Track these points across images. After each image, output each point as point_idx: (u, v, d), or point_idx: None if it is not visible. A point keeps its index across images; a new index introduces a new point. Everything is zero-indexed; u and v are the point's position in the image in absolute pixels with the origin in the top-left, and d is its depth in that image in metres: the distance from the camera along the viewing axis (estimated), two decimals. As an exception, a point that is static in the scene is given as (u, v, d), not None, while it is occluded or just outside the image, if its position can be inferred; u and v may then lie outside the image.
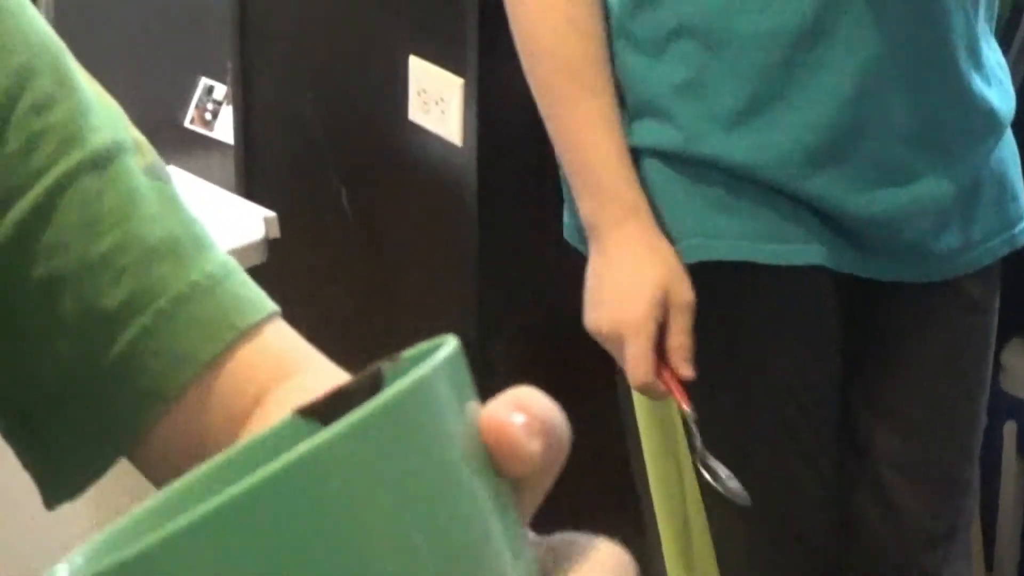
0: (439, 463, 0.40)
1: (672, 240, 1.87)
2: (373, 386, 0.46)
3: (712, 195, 1.87)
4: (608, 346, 1.85)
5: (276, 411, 0.80)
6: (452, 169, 2.46)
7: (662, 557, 2.11)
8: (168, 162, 1.86)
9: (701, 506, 2.01)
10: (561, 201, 1.96)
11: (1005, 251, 1.94)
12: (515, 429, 0.40)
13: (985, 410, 2.06)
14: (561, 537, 0.46)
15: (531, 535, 0.44)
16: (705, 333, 1.86)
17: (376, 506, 0.38)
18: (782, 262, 1.84)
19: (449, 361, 0.40)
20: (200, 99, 3.62)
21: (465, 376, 0.41)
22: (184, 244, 0.81)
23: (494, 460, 0.42)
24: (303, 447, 0.36)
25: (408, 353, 0.45)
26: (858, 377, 2.00)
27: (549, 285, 2.24)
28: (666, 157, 1.86)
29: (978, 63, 1.89)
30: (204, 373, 0.79)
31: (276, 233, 2.54)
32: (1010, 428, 2.77)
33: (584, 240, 1.90)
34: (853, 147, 1.84)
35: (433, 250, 2.61)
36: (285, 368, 0.83)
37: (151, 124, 2.45)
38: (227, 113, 3.40)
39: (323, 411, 0.47)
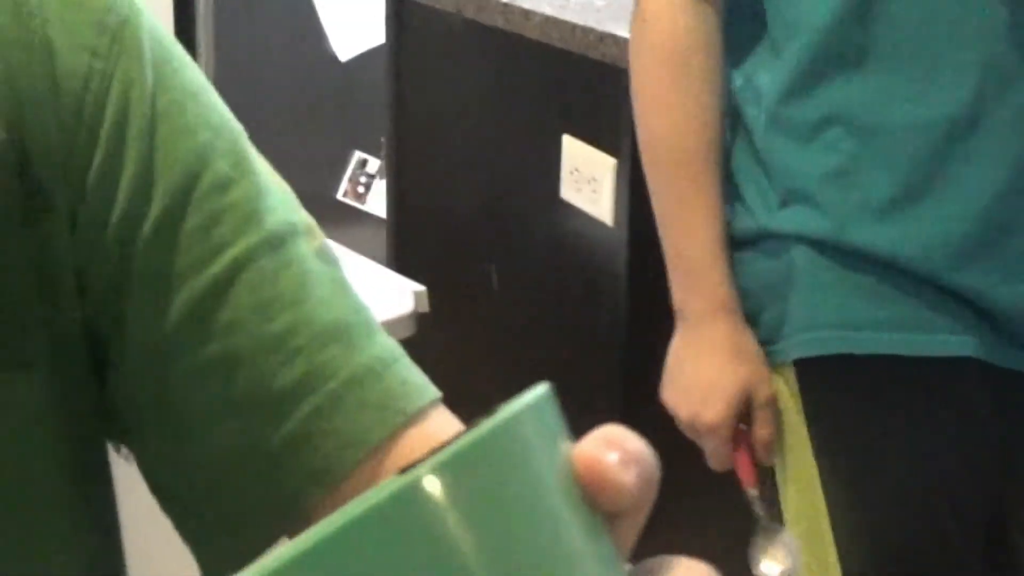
0: (529, 496, 0.41)
1: (808, 327, 1.88)
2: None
3: (860, 284, 1.88)
4: (683, 428, 1.90)
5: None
6: (603, 249, 2.50)
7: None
8: (323, 231, 1.85)
9: None
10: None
11: None
12: (608, 463, 0.41)
13: None
14: (652, 560, 0.47)
15: (627, 566, 0.45)
16: (846, 430, 1.90)
17: (468, 535, 0.39)
18: (931, 353, 1.84)
19: (536, 404, 0.41)
20: (353, 172, 3.83)
21: (556, 418, 0.42)
22: (354, 328, 0.83)
23: (588, 494, 0.43)
24: (396, 481, 0.38)
25: (506, 406, 0.45)
26: (1011, 480, 1.96)
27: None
28: (815, 244, 1.87)
29: None
30: (371, 455, 0.81)
31: (425, 307, 2.47)
32: None
33: None
34: (1006, 239, 1.85)
35: (581, 330, 2.65)
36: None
37: (304, 196, 2.50)
38: (380, 187, 3.64)
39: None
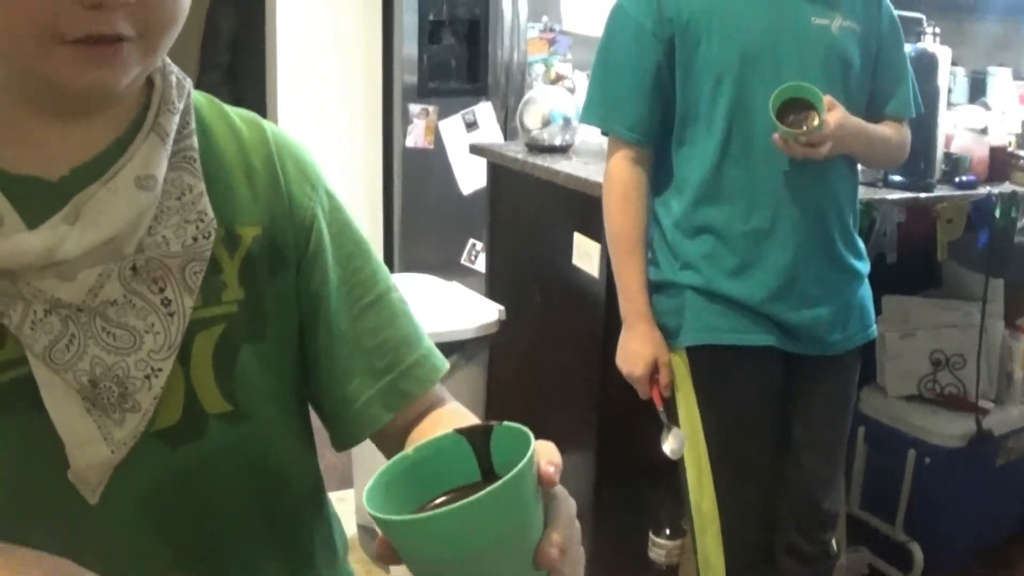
0: (528, 493, 0.90)
1: (693, 330, 2.65)
2: (487, 428, 0.99)
3: (719, 310, 2.63)
4: (626, 378, 2.72)
5: (429, 425, 1.30)
6: (593, 288, 3.38)
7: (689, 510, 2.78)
8: (452, 279, 3.39)
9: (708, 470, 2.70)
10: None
11: (864, 340, 2.79)
12: (549, 471, 0.92)
13: (850, 420, 2.88)
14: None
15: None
16: (710, 383, 2.68)
17: (512, 511, 0.89)
18: (752, 344, 2.63)
19: (534, 448, 0.89)
20: (470, 249, 5.22)
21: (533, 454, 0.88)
22: (412, 336, 1.33)
23: (542, 491, 0.92)
24: (494, 487, 0.85)
25: (504, 423, 0.97)
26: (791, 405, 2.77)
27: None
28: (696, 290, 2.64)
29: (850, 246, 2.70)
30: (418, 401, 1.31)
31: (504, 317, 3.69)
32: (862, 430, 3.92)
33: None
34: (789, 289, 2.60)
35: (583, 327, 3.50)
36: (439, 400, 1.35)
37: (447, 264, 4.09)
38: (482, 257, 4.54)
39: (469, 435, 0.99)
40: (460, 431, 1.00)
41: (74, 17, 1.01)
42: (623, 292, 2.72)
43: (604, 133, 2.80)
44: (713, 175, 2.59)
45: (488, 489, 0.86)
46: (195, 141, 1.20)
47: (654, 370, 2.69)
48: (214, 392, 1.19)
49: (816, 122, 2.45)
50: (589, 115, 2.77)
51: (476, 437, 1.01)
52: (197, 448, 1.18)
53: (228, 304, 1.21)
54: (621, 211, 2.69)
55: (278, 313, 1.26)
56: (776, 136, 2.46)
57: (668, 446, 2.66)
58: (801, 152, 2.47)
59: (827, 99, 2.48)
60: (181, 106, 1.20)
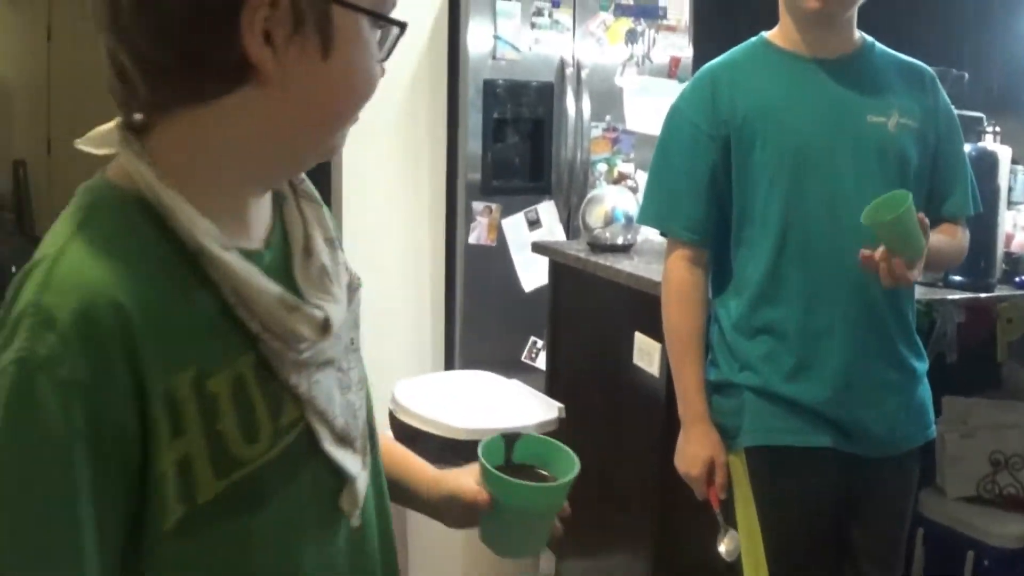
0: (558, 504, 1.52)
1: (751, 431, 2.64)
2: (515, 434, 1.57)
3: (776, 411, 2.62)
4: (683, 478, 2.71)
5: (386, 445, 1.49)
6: (654, 387, 3.43)
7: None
8: (513, 377, 3.44)
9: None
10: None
11: (923, 441, 2.75)
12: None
13: (908, 523, 2.82)
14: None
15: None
16: (768, 484, 2.64)
17: (551, 505, 1.50)
18: (809, 445, 2.61)
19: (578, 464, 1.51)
20: (530, 347, 5.22)
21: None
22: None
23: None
24: (565, 480, 1.47)
25: (529, 432, 1.60)
26: (850, 507, 2.72)
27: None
28: (754, 390, 2.65)
29: (909, 346, 2.67)
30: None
31: (564, 415, 3.72)
32: (920, 532, 3.85)
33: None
34: (848, 390, 2.58)
35: (642, 426, 3.56)
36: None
37: (508, 361, 4.12)
38: (543, 354, 4.69)
39: (508, 440, 1.56)
40: (503, 435, 1.57)
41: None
42: (681, 392, 2.73)
43: (662, 234, 2.84)
44: (770, 276, 2.60)
45: (564, 480, 1.47)
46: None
47: (711, 471, 2.69)
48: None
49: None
50: (647, 216, 2.82)
51: (509, 438, 1.56)
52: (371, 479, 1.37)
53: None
54: (678, 311, 2.72)
55: None
56: (871, 256, 2.39)
57: (724, 547, 2.67)
58: (898, 278, 2.39)
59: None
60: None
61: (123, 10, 1.11)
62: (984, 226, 3.44)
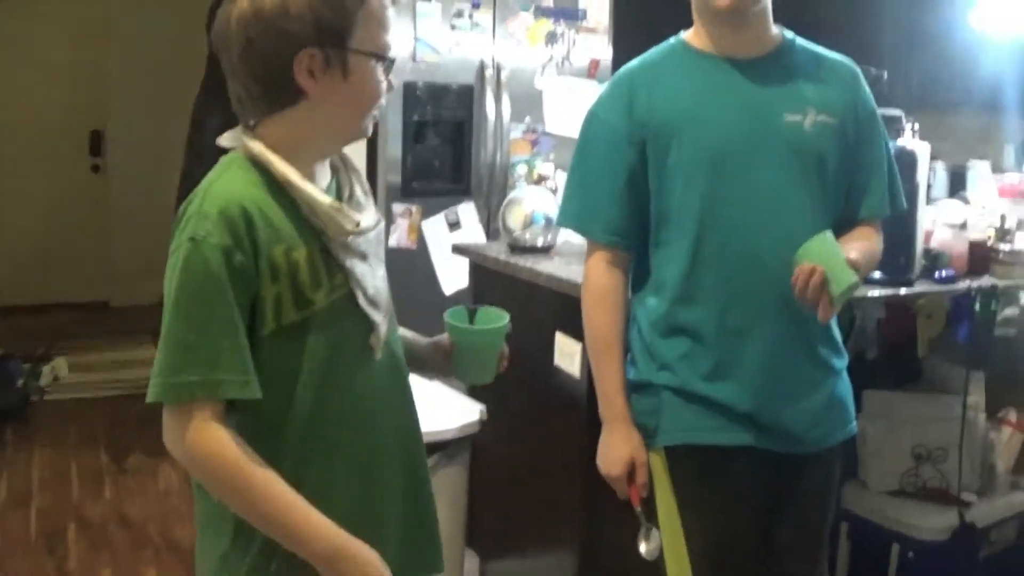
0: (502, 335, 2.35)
1: (670, 430, 2.67)
2: (474, 308, 2.47)
3: (694, 411, 2.66)
4: (604, 477, 2.73)
5: None
6: (574, 388, 3.47)
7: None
8: (434, 379, 3.57)
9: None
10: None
11: (844, 437, 2.78)
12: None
13: (832, 518, 2.89)
14: None
15: None
16: (688, 481, 2.67)
17: (495, 344, 2.35)
18: (729, 443, 2.64)
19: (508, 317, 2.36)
20: None
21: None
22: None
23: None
24: (501, 323, 2.36)
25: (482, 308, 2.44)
26: (773, 505, 2.75)
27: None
28: (672, 390, 2.67)
29: (828, 343, 2.71)
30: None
31: (485, 418, 3.72)
32: (844, 526, 3.91)
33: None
34: (766, 389, 2.62)
35: (562, 430, 3.60)
36: None
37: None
38: None
39: (470, 310, 2.44)
40: (467, 307, 2.41)
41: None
42: (601, 393, 2.75)
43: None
44: (687, 276, 2.63)
45: (492, 326, 2.33)
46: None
47: (632, 471, 2.70)
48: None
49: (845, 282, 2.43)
50: (566, 218, 2.84)
51: (471, 310, 2.40)
52: (391, 327, 2.22)
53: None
54: (598, 313, 2.74)
55: None
56: (807, 293, 2.43)
57: (645, 547, 2.69)
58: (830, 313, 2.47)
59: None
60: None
61: (233, 58, 2.03)
62: (904, 223, 3.49)
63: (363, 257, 2.10)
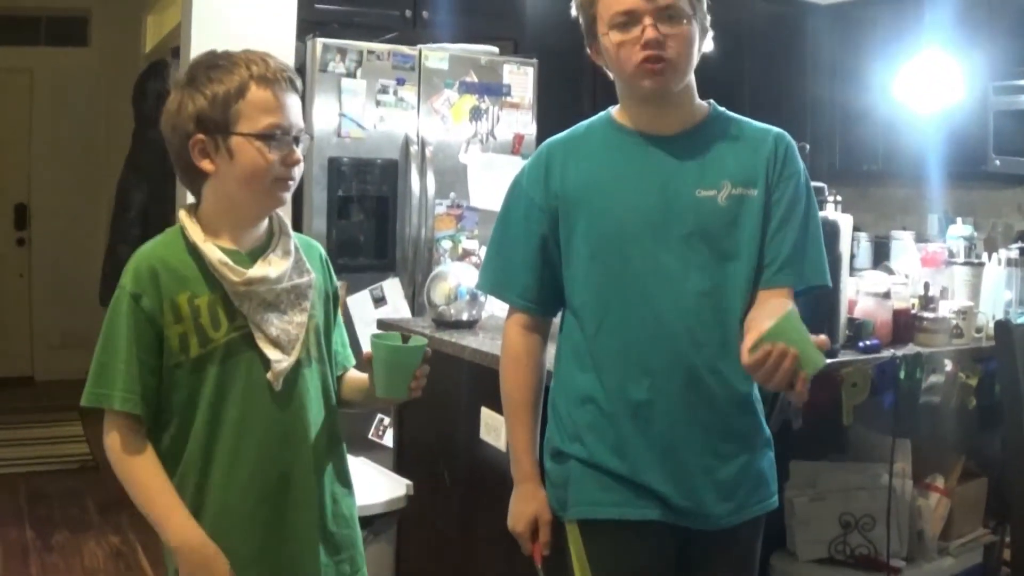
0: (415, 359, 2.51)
1: (577, 503, 2.68)
2: (407, 335, 2.59)
3: (601, 483, 2.66)
4: (512, 534, 2.78)
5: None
6: (501, 464, 3.28)
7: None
8: (360, 455, 3.48)
9: None
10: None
11: (761, 512, 2.74)
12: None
13: None
14: None
15: None
16: (597, 552, 2.68)
17: (408, 363, 2.50)
18: (637, 518, 2.64)
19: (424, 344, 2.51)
20: (377, 424, 5.19)
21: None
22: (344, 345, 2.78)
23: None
24: (406, 344, 2.51)
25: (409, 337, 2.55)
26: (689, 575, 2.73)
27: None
28: (580, 461, 2.69)
29: (742, 414, 2.68)
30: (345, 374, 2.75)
31: (412, 493, 3.78)
32: None
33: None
34: (670, 462, 2.62)
35: (490, 505, 3.37)
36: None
37: (355, 439, 4.08)
38: (390, 432, 4.61)
39: (403, 335, 2.57)
40: (401, 333, 2.57)
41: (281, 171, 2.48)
42: (512, 453, 2.81)
43: None
44: (592, 346, 2.66)
45: (405, 345, 2.48)
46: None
47: (536, 528, 2.75)
48: (314, 346, 2.58)
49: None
50: (484, 282, 2.92)
51: (404, 336, 2.54)
52: (309, 365, 2.57)
53: (314, 313, 2.58)
54: (512, 374, 2.81)
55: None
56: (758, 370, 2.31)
57: None
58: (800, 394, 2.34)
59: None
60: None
61: (169, 150, 2.50)
62: (828, 293, 3.48)
63: (267, 304, 2.47)
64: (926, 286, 4.27)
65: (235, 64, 2.45)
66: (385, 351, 2.50)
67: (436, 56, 5.75)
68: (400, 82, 5.62)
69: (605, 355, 2.64)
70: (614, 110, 2.77)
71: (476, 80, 5.87)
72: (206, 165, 2.45)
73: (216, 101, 2.42)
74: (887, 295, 4.10)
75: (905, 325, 4.10)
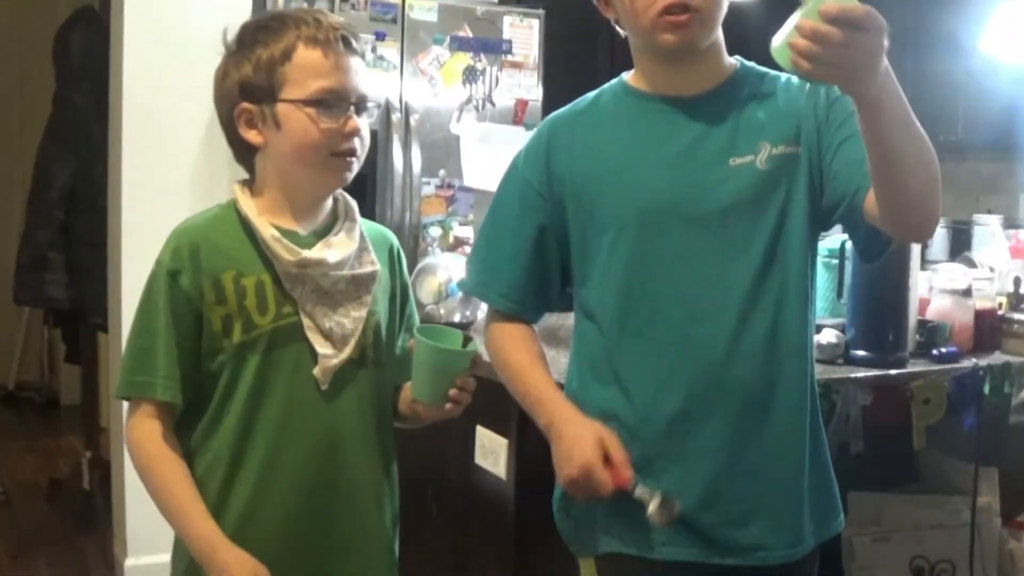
0: (464, 362, 2.64)
1: (598, 538, 2.68)
2: (469, 337, 2.70)
3: (628, 515, 2.60)
4: (582, 483, 2.53)
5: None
6: (500, 493, 3.48)
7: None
8: None
9: None
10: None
11: (822, 540, 2.73)
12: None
13: None
14: None
15: None
16: None
17: (447, 368, 2.61)
18: (669, 558, 2.63)
19: (476, 344, 2.66)
20: None
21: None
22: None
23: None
24: (469, 349, 2.63)
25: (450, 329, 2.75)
26: None
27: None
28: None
29: (797, 429, 2.66)
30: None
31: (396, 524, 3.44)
32: None
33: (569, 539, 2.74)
34: (714, 491, 2.60)
35: (486, 542, 3.64)
36: None
37: None
38: None
39: (465, 338, 2.68)
40: (464, 335, 2.64)
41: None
42: (538, 403, 2.72)
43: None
44: (611, 350, 2.66)
45: (446, 346, 2.59)
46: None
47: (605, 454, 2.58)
48: (371, 346, 2.67)
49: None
50: (468, 280, 2.94)
51: (466, 337, 2.63)
52: (364, 367, 2.67)
53: (375, 310, 2.69)
54: (508, 347, 2.83)
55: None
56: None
57: (653, 508, 2.55)
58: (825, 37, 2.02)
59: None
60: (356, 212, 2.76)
61: (220, 123, 2.64)
62: (892, 291, 3.58)
63: (322, 292, 2.59)
64: (1016, 282, 4.28)
65: (283, 25, 2.57)
66: (425, 351, 2.59)
67: (423, 5, 5.76)
68: (379, 37, 5.64)
69: (630, 362, 2.63)
70: (627, 75, 2.77)
71: (471, 35, 5.88)
72: (253, 137, 2.58)
73: (260, 66, 2.54)
74: (967, 293, 4.10)
75: (990, 329, 4.10)
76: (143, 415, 2.54)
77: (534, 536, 2.94)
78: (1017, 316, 4.13)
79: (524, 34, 6.00)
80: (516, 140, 5.17)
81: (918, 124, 2.26)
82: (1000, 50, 6.22)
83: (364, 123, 2.60)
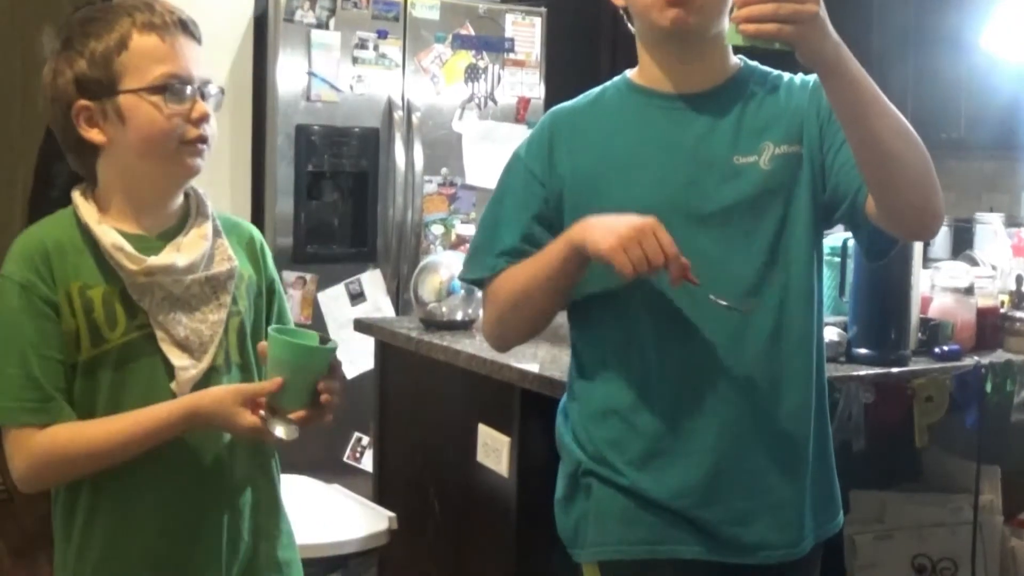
0: (326, 360, 2.46)
1: (597, 542, 2.65)
2: (326, 337, 2.51)
3: (626, 514, 2.62)
4: (629, 253, 2.35)
5: None
6: (502, 491, 3.48)
7: None
8: (333, 482, 3.51)
9: None
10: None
11: (823, 537, 2.72)
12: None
13: None
14: None
15: None
16: None
17: (306, 367, 2.43)
18: (670, 556, 2.60)
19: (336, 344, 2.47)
20: (354, 445, 5.29)
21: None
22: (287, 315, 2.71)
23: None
24: (328, 347, 2.45)
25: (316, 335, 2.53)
26: None
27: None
28: (602, 483, 2.64)
29: (801, 423, 2.63)
30: None
31: (395, 526, 3.69)
32: None
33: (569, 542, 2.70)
34: (714, 484, 2.59)
35: (488, 541, 3.64)
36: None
37: (327, 463, 4.12)
38: (369, 454, 4.76)
39: (321, 338, 2.50)
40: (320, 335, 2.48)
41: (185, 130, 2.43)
42: (549, 248, 2.61)
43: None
44: (611, 348, 2.64)
45: (302, 342, 2.42)
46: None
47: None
48: (236, 350, 2.53)
49: None
50: (466, 269, 2.83)
51: (322, 338, 2.47)
52: (227, 374, 2.50)
53: (238, 310, 2.54)
54: (509, 275, 2.69)
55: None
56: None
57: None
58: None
59: None
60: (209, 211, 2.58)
61: (54, 128, 2.48)
62: (895, 288, 3.56)
63: (174, 299, 2.44)
64: (1018, 280, 4.27)
65: (115, 14, 2.43)
66: (280, 348, 2.42)
67: (425, 3, 5.75)
68: (381, 35, 5.63)
69: (632, 358, 2.61)
70: (631, 72, 2.74)
71: (473, 33, 5.89)
72: (95, 136, 2.43)
73: (95, 59, 2.41)
74: (970, 291, 4.09)
75: (992, 327, 4.10)
76: (23, 437, 2.39)
77: (536, 534, 2.92)
78: (1019, 314, 4.12)
79: (526, 32, 6.00)
80: (518, 138, 5.04)
81: (894, 109, 2.34)
82: (1002, 48, 6.19)
83: (211, 109, 2.46)
